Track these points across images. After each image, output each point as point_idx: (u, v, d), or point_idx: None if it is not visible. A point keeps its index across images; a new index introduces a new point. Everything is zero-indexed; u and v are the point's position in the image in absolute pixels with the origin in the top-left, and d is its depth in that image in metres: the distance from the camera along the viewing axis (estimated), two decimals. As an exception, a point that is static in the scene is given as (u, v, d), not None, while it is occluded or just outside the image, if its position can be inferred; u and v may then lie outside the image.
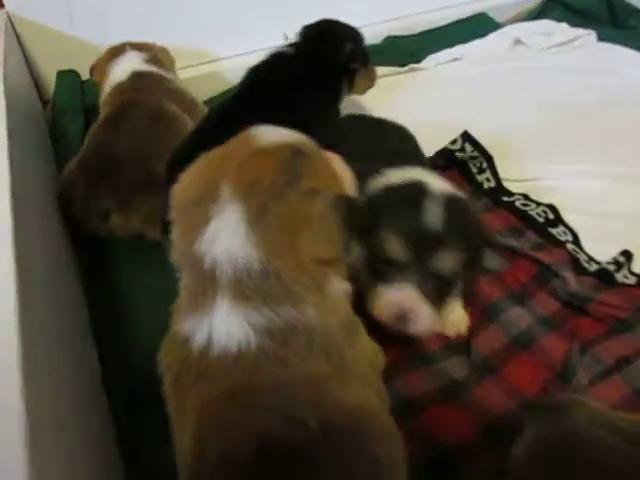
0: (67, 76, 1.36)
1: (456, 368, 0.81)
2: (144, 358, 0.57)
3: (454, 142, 1.19)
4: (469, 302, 0.88)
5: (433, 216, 0.67)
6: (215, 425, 0.48)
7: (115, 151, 0.96)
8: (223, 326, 0.49)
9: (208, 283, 0.50)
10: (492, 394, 0.78)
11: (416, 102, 1.42)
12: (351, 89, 1.19)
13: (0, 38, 1.06)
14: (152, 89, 1.10)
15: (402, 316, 0.68)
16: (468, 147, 1.19)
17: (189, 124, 1.07)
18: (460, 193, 0.75)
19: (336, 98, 1.16)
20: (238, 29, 1.47)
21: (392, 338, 0.72)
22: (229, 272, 0.49)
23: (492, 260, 0.76)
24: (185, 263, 0.53)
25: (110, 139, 0.98)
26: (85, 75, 1.37)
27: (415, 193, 0.70)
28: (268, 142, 0.54)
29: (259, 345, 0.48)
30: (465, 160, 1.18)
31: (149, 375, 0.55)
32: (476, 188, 1.14)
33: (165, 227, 0.57)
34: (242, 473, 0.45)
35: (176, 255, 0.54)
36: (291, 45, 1.12)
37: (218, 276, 0.49)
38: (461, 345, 0.85)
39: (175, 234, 0.54)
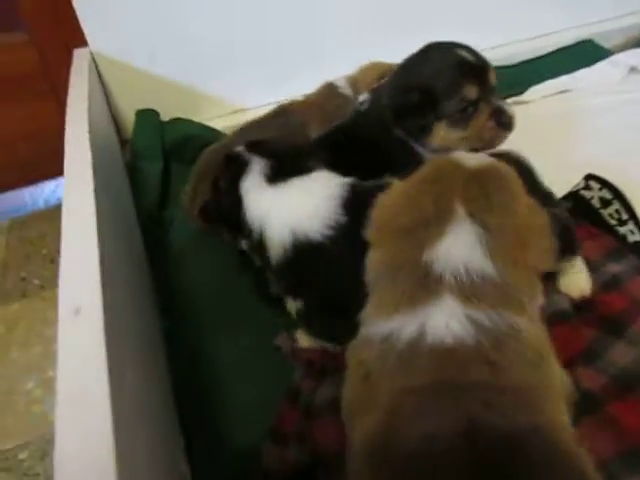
0: (146, 115, 1.28)
1: None
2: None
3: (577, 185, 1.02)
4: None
5: None
6: (416, 412, 0.48)
7: None
8: (442, 319, 0.50)
9: (431, 286, 0.52)
10: None
11: (524, 139, 1.24)
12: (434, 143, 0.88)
13: (85, 77, 0.99)
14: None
15: None
16: (595, 185, 1.02)
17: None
18: None
19: (411, 157, 0.89)
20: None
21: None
22: (459, 278, 0.52)
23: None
24: (395, 273, 0.55)
25: None
26: (165, 114, 1.31)
27: None
28: (479, 165, 0.59)
29: (476, 342, 0.49)
30: (595, 208, 0.99)
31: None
32: (619, 242, 0.94)
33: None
34: (448, 454, 0.45)
35: (374, 271, 0.58)
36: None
37: (445, 280, 0.52)
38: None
39: (377, 253, 0.58)
